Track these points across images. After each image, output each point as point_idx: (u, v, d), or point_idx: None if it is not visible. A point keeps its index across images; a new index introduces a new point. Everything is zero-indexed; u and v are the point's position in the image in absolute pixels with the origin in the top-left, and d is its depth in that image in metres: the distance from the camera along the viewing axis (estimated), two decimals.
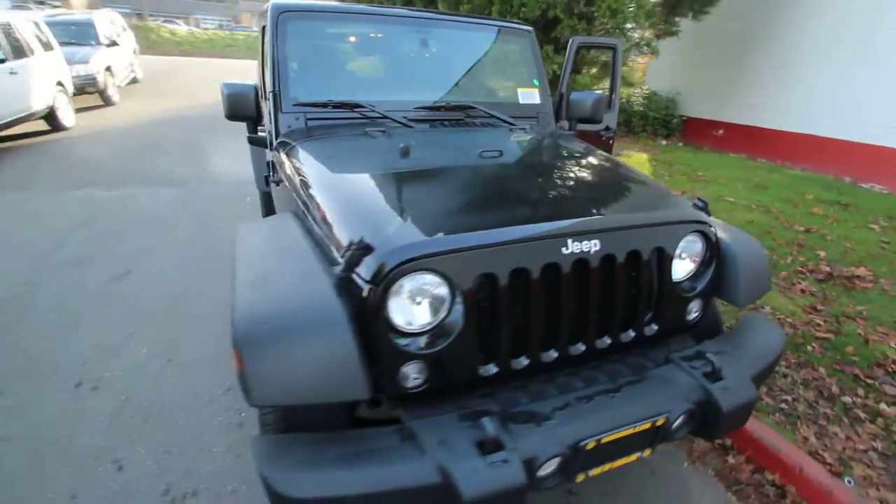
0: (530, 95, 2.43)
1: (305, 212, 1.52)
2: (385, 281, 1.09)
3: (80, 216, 4.25)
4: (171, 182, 5.33)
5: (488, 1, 5.67)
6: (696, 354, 1.43)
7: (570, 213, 1.32)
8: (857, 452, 1.88)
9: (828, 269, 3.19)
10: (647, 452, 1.31)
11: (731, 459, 1.91)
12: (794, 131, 6.06)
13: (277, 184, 1.98)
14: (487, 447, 1.07)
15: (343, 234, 1.26)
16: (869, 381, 2.22)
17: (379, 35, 2.23)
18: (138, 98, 10.22)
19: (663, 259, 1.40)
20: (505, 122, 2.25)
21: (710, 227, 1.48)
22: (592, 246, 1.27)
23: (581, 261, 1.26)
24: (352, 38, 2.20)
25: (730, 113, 7.25)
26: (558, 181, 1.69)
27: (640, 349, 1.49)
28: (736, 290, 1.53)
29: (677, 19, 6.24)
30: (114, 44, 9.38)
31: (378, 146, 1.82)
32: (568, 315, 1.28)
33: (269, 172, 2.12)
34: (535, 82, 2.46)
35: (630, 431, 1.21)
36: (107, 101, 9.03)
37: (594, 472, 1.23)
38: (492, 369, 1.25)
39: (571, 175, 1.76)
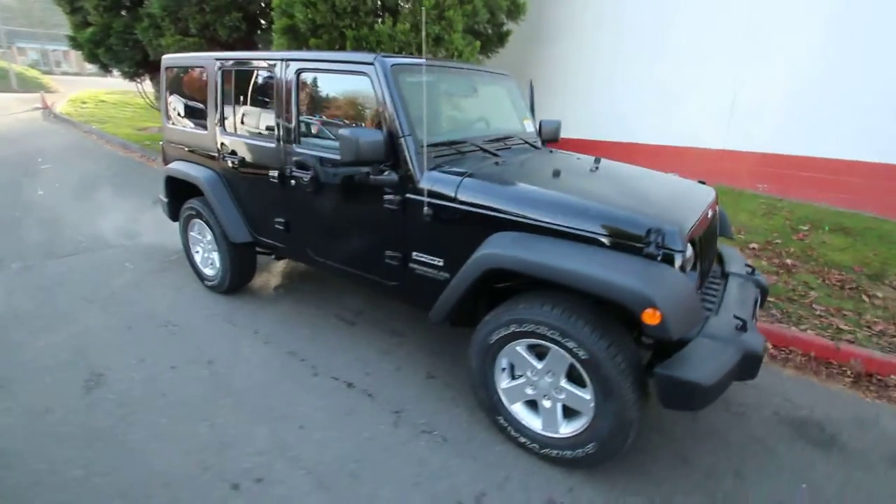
0: (529, 125, 3.19)
1: (534, 223, 1.94)
2: (686, 249, 1.75)
3: None
4: None
5: (340, 34, 6.02)
6: (735, 268, 2.50)
7: (704, 195, 2.22)
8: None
9: None
10: None
11: None
12: (575, 137, 8.47)
13: (433, 217, 2.19)
14: (742, 329, 1.85)
15: (620, 228, 1.80)
16: None
17: (450, 83, 2.61)
18: None
19: (717, 215, 2.43)
20: (533, 146, 2.96)
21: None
22: (709, 212, 2.19)
23: (704, 222, 2.16)
24: (434, 86, 2.52)
25: None
26: (653, 179, 2.53)
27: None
28: (727, 228, 2.70)
29: (480, 56, 7.84)
30: None
31: (527, 169, 2.31)
32: (707, 255, 2.18)
33: (400, 211, 2.28)
34: (528, 115, 3.23)
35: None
36: None
37: None
38: None
39: (646, 173, 2.62)
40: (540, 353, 1.96)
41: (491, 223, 2.05)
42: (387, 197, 2.32)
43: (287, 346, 2.89)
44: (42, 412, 2.25)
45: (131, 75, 9.87)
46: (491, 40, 7.75)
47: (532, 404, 2.07)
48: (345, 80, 2.46)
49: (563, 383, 1.90)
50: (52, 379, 2.50)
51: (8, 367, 2.59)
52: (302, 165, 2.63)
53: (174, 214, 3.74)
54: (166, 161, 3.74)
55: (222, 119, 3.07)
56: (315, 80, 2.57)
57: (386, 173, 2.25)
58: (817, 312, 3.28)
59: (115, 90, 17.92)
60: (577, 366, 1.80)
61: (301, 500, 1.84)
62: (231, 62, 2.94)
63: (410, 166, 2.22)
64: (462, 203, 2.12)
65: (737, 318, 1.89)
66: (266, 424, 2.23)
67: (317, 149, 2.59)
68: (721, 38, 5.98)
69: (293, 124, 2.64)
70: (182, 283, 3.73)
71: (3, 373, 2.53)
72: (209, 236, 3.45)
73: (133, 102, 14.63)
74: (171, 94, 3.56)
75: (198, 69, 3.21)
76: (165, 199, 3.69)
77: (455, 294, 2.07)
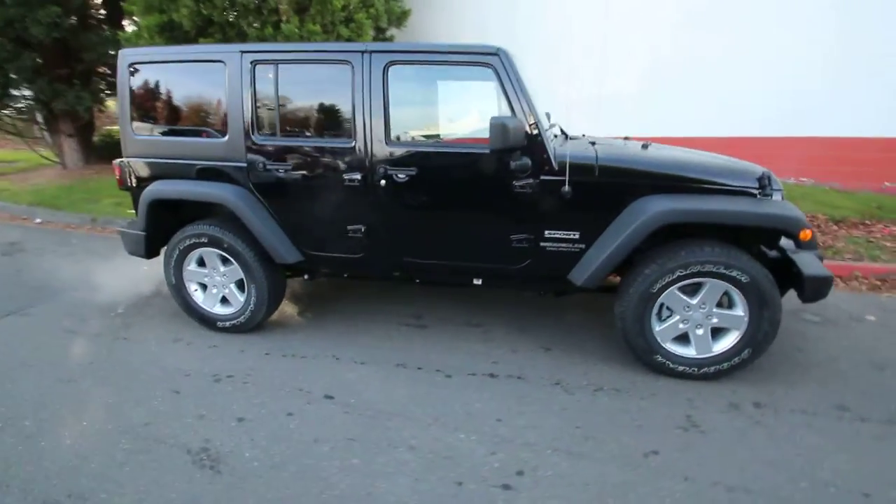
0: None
1: (673, 185, 2.34)
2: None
3: None
4: None
5: (239, 33, 5.39)
6: None
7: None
8: None
9: None
10: None
11: None
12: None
13: (572, 194, 2.37)
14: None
15: (737, 179, 2.33)
16: None
17: None
18: None
19: None
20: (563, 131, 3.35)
21: None
22: None
23: None
24: None
25: None
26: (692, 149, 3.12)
27: None
28: None
29: None
30: None
31: (619, 146, 2.66)
32: None
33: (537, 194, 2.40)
34: None
35: None
36: None
37: None
38: None
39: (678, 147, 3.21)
40: (689, 292, 2.37)
41: (630, 190, 2.37)
42: (518, 182, 2.41)
43: (388, 361, 2.68)
44: None
45: None
46: None
47: (680, 337, 2.46)
48: (449, 71, 2.44)
49: (715, 309, 2.35)
50: (150, 469, 1.87)
51: (80, 473, 1.82)
52: (403, 163, 2.49)
53: (153, 250, 2.97)
54: (129, 183, 2.93)
55: (255, 122, 2.62)
56: (410, 73, 2.46)
57: (523, 159, 2.36)
58: None
59: None
60: (734, 290, 2.26)
61: (573, 474, 1.87)
62: (270, 55, 2.53)
63: (547, 150, 2.37)
64: (603, 177, 2.38)
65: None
66: (463, 429, 2.12)
67: (424, 145, 2.50)
68: (582, 37, 7.26)
69: (384, 121, 2.46)
70: (173, 333, 3.01)
71: (82, 483, 1.78)
72: (223, 267, 2.88)
73: None
74: (138, 97, 2.81)
75: (203, 64, 2.64)
76: (143, 232, 2.89)
77: (618, 257, 2.32)
